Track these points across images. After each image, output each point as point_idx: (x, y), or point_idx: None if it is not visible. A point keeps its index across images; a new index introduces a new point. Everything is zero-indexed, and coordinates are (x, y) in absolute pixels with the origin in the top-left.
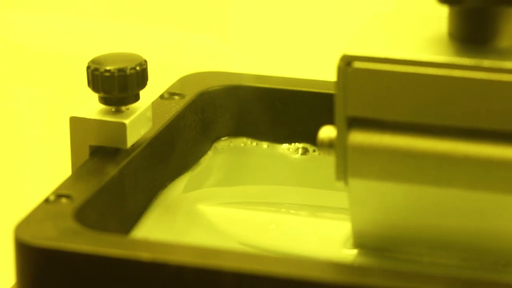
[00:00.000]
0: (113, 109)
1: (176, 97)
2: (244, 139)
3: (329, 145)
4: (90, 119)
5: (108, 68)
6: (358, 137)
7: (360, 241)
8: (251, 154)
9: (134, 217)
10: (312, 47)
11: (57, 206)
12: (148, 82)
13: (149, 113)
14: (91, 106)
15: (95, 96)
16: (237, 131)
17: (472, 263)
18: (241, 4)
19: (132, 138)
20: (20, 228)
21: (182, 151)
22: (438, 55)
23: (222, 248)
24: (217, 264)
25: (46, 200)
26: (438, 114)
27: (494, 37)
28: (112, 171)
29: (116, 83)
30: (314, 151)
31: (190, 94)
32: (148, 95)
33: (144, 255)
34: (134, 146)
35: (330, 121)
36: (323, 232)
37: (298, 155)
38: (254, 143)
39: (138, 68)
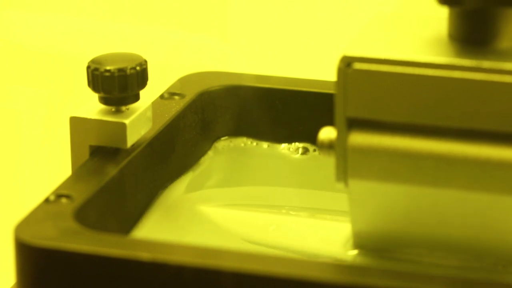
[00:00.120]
0: (113, 109)
1: (176, 97)
2: (244, 139)
3: (329, 146)
4: (90, 119)
5: (108, 68)
6: (358, 138)
7: (360, 242)
8: (251, 154)
9: (134, 217)
10: (312, 47)
11: (57, 206)
12: (148, 82)
13: (149, 113)
14: (91, 106)
15: (95, 96)
16: (237, 131)
17: (472, 263)
18: (241, 4)
19: (132, 138)
20: (20, 228)
21: (182, 151)
22: (438, 56)
23: (222, 248)
24: (217, 264)
25: (46, 200)
26: (438, 115)
27: (494, 38)
28: (112, 171)
29: (116, 83)
30: (314, 150)
31: (190, 94)
32: (148, 95)
33: (144, 255)
34: (134, 146)
35: (330, 121)
36: (323, 233)
37: (298, 155)
38: (254, 143)
39: (138, 68)
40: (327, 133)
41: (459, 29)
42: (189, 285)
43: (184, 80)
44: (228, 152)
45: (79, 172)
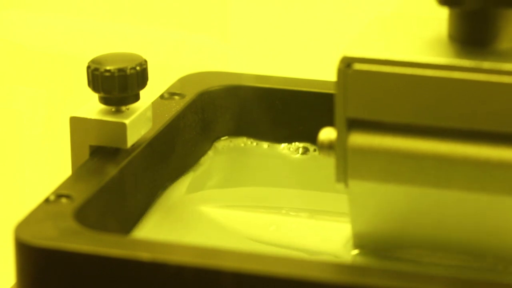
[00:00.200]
0: (113, 109)
1: (176, 97)
2: (244, 139)
3: (329, 147)
4: (90, 119)
5: (108, 68)
6: (358, 139)
7: (360, 242)
8: (251, 154)
9: (134, 217)
10: (312, 47)
11: (57, 206)
12: (148, 82)
13: (149, 113)
14: (91, 106)
15: (95, 96)
16: (237, 131)
17: (472, 263)
18: (241, 4)
19: (132, 138)
20: (20, 228)
21: (182, 151)
22: (438, 57)
23: (222, 248)
24: (217, 264)
25: (46, 200)
26: (438, 115)
27: (494, 39)
28: (112, 171)
29: (116, 83)
30: (314, 150)
31: (190, 94)
32: (148, 95)
33: (144, 255)
34: (134, 146)
35: (330, 121)
36: (323, 233)
37: (298, 155)
38: (255, 143)
39: (138, 68)
40: (327, 134)
41: (459, 29)
42: (189, 285)
43: (184, 80)
44: (228, 152)
45: (79, 172)
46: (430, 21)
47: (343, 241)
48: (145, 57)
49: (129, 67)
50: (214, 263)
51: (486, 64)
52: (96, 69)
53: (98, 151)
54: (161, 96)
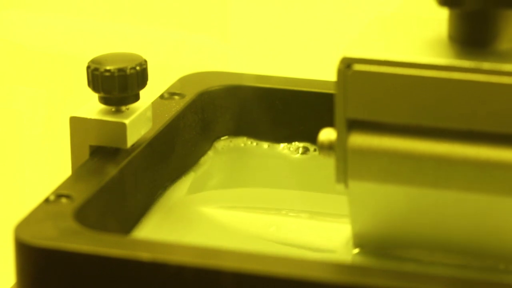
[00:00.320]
0: (113, 109)
1: (176, 97)
2: (244, 139)
3: (329, 147)
4: (90, 119)
5: (108, 68)
6: (358, 139)
7: (360, 243)
8: (251, 154)
9: (134, 217)
10: (312, 47)
11: (57, 206)
12: (148, 82)
13: (149, 113)
14: (91, 106)
15: (95, 96)
16: (237, 131)
17: (472, 263)
18: (241, 4)
19: (132, 138)
20: (20, 228)
21: (182, 151)
22: (438, 58)
23: (222, 248)
24: (217, 264)
25: (46, 200)
26: (437, 116)
27: (494, 39)
28: (112, 171)
29: (116, 83)
30: (314, 150)
31: (190, 94)
32: (148, 95)
33: (144, 255)
34: (134, 146)
35: (330, 121)
36: (323, 234)
37: (298, 155)
38: (255, 143)
39: (138, 68)
40: (327, 134)
41: (459, 30)
42: (189, 285)
43: (184, 80)
44: (228, 152)
45: (79, 172)
46: (430, 21)
47: (343, 241)
48: (145, 57)
49: (129, 67)
50: (214, 263)
51: (486, 65)
52: (96, 69)
53: (98, 151)
54: (161, 96)
